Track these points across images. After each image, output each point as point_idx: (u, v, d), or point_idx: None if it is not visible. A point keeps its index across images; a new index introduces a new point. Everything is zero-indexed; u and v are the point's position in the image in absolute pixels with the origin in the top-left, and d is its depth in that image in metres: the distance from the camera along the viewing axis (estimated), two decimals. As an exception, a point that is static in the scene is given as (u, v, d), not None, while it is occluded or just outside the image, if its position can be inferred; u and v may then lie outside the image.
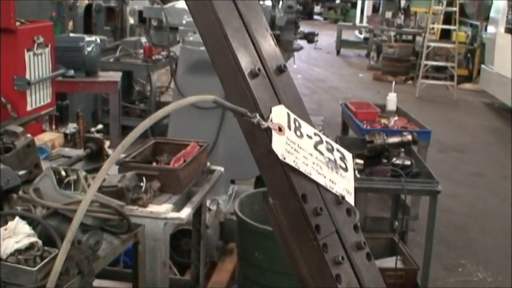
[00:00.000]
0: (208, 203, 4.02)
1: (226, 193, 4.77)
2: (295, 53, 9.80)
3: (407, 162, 3.98)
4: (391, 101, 5.76)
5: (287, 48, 5.80)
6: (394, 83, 6.13)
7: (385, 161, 4.28)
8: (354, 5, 22.66)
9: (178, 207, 2.84)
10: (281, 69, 1.33)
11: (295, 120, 1.23)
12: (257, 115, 1.17)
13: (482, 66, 11.74)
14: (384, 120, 5.41)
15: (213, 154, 4.30)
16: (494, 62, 10.69)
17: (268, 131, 1.18)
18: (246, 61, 1.25)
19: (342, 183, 1.25)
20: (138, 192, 2.66)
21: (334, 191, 1.24)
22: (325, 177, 1.22)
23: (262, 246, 3.40)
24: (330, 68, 14.99)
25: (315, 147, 1.24)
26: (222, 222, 4.18)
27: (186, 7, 5.01)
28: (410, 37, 14.66)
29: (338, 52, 17.17)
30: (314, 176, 1.20)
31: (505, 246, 5.26)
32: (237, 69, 1.23)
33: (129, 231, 2.35)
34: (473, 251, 5.18)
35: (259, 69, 1.25)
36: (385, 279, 4.04)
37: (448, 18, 12.82)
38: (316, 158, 1.23)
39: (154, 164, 3.04)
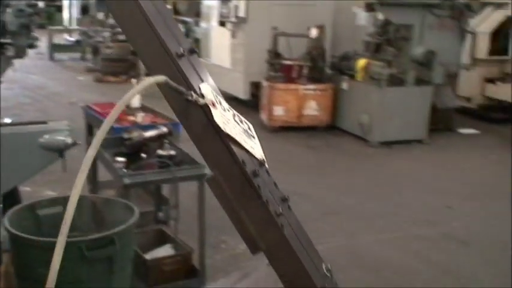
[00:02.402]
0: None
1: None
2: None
3: (173, 152, 4.18)
4: (135, 98, 5.90)
5: (21, 55, 5.57)
6: (135, 81, 6.27)
7: (144, 155, 4.42)
8: (59, 8, 22.06)
9: None
10: (192, 51, 1.42)
11: (216, 95, 1.33)
12: (193, 93, 1.25)
13: (200, 59, 12.48)
14: (131, 118, 5.51)
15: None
16: (211, 54, 11.48)
17: (205, 106, 1.26)
18: (172, 43, 1.31)
19: (258, 148, 1.41)
20: None
21: (256, 156, 1.39)
22: (248, 144, 1.36)
23: (44, 260, 3.29)
24: (46, 74, 14.50)
25: (233, 119, 1.37)
26: (-10, 244, 3.90)
27: None
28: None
29: (51, 57, 16.66)
30: (244, 144, 1.33)
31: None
32: (165, 52, 1.28)
33: None
34: (230, 227, 5.56)
35: (183, 50, 1.32)
36: (163, 268, 4.19)
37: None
38: (238, 128, 1.36)
39: None
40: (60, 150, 4.31)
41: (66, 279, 3.15)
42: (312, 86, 9.05)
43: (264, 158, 1.44)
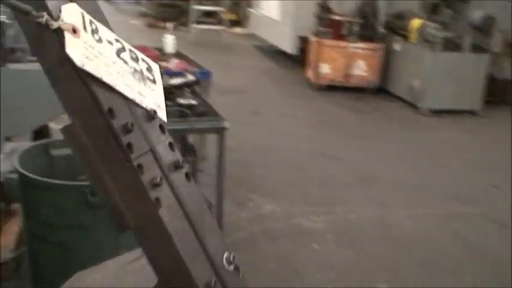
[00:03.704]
0: (-19, 163, 3.62)
1: (1, 151, 4.34)
2: None
3: (193, 102, 3.95)
4: (169, 43, 5.66)
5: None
6: (172, 25, 6.01)
7: (170, 103, 4.21)
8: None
9: None
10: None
11: (91, 22, 1.01)
12: (45, 14, 0.94)
13: (250, 10, 12.14)
14: (163, 63, 5.29)
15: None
16: (261, 5, 11.11)
17: (60, 32, 0.95)
18: None
19: (152, 96, 1.10)
20: None
21: (144, 106, 1.08)
22: (132, 89, 1.05)
23: (49, 201, 3.16)
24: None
25: (118, 55, 1.06)
26: (0, 183, 3.79)
27: None
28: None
29: (108, -1, 16.59)
30: (120, 88, 1.02)
31: (286, 178, 5.57)
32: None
33: None
34: (259, 185, 5.39)
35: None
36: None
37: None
38: (121, 67, 1.05)
39: None
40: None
41: (69, 224, 3.03)
42: (361, 45, 8.60)
43: (159, 107, 1.12)
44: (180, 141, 5.10)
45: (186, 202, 1.06)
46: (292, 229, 4.63)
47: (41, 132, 4.91)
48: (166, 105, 3.61)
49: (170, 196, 1.03)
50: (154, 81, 1.12)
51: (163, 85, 3.74)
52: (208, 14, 12.93)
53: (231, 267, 1.06)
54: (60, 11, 0.94)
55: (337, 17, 8.75)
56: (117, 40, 1.05)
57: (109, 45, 1.02)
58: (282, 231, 4.57)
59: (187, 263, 0.99)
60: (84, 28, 0.97)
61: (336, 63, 8.66)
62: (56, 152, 3.85)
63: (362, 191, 5.44)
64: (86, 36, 0.96)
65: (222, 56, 10.92)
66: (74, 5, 0.97)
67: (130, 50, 1.08)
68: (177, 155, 1.08)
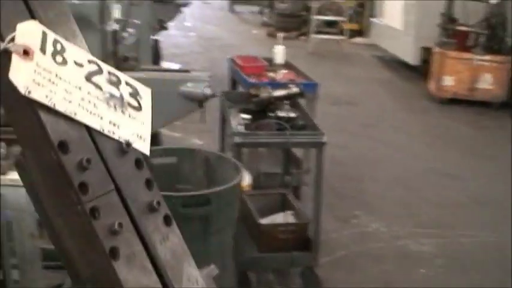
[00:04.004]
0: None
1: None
2: (187, 10, 9.40)
3: (292, 115, 3.84)
4: (279, 53, 5.58)
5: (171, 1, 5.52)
6: (281, 35, 5.92)
7: (271, 114, 4.14)
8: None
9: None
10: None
11: (55, 42, 0.90)
12: None
13: (372, 19, 11.85)
14: (271, 74, 5.23)
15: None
16: (384, 14, 10.80)
17: (8, 55, 0.84)
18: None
19: (131, 126, 0.96)
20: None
21: (116, 137, 0.95)
22: (101, 118, 0.92)
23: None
24: (223, 26, 14.72)
25: (88, 78, 0.94)
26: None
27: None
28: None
29: (231, 9, 16.91)
30: (81, 117, 0.90)
31: (396, 196, 5.30)
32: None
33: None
34: (366, 202, 5.16)
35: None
36: (276, 235, 3.88)
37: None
38: (89, 93, 0.92)
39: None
40: (200, 101, 4.20)
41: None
42: (488, 57, 8.06)
43: (139, 138, 0.96)
44: (285, 153, 5.00)
45: (159, 252, 0.91)
46: (398, 251, 4.37)
47: (152, 139, 5.03)
48: (266, 117, 3.50)
49: (134, 245, 0.89)
50: (139, 108, 0.99)
51: (264, 96, 3.63)
52: (329, 24, 12.77)
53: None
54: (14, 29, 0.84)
55: (462, 28, 8.29)
56: (91, 62, 0.93)
57: (77, 67, 0.90)
58: (386, 253, 4.33)
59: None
60: (43, 49, 0.86)
61: (460, 75, 8.18)
62: (156, 161, 3.89)
63: (478, 214, 5.05)
64: (41, 58, 0.85)
65: (339, 66, 10.73)
66: (33, 23, 0.86)
67: (110, 73, 0.96)
68: (154, 195, 0.94)
